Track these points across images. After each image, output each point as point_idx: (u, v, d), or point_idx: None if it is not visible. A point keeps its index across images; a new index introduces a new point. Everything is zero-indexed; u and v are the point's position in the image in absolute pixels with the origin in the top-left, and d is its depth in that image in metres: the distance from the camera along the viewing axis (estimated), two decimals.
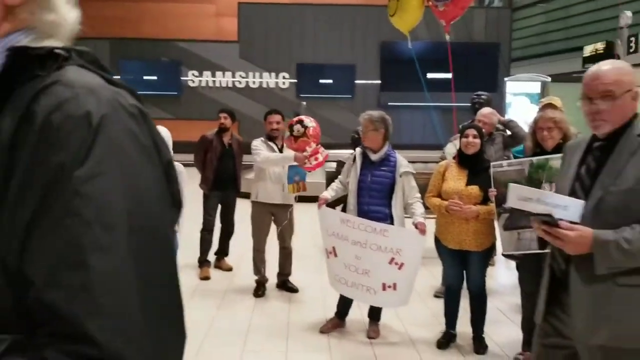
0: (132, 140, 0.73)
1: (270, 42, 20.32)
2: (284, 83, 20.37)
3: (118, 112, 0.73)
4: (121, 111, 0.73)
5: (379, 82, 20.41)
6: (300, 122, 4.89)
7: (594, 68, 2.20)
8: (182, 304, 0.77)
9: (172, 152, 3.13)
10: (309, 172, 5.04)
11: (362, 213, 4.22)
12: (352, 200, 4.29)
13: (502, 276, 6.09)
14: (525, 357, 3.96)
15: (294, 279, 5.46)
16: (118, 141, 0.71)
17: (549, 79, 13.85)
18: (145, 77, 19.88)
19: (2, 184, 0.68)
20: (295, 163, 4.89)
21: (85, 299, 0.64)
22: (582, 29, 17.73)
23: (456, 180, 4.03)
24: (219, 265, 6.32)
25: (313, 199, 4.62)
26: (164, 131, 3.59)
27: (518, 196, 2.41)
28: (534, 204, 2.31)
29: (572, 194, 2.25)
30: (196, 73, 20.25)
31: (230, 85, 20.33)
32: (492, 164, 3.88)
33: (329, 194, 4.41)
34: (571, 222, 2.16)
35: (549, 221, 2.16)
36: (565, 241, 2.13)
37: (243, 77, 20.37)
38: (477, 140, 4.00)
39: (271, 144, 5.25)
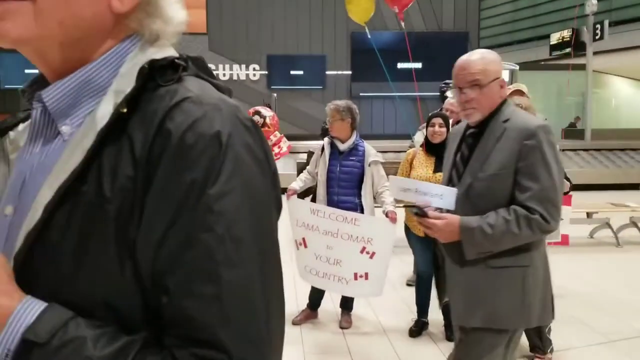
0: (250, 154, 0.77)
1: (239, 34, 20.16)
2: (254, 75, 20.27)
3: (238, 128, 0.77)
4: (241, 127, 0.78)
5: (350, 72, 20.44)
6: (258, 112, 4.83)
7: (462, 58, 2.24)
8: (284, 301, 0.82)
9: None
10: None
11: (331, 203, 4.19)
12: (321, 191, 4.26)
13: None
14: None
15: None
16: (241, 158, 0.75)
17: (517, 67, 13.96)
18: None
19: (138, 196, 0.72)
20: None
21: (218, 309, 0.70)
22: (549, 17, 17.95)
23: (424, 167, 4.02)
24: None
25: (282, 191, 4.57)
26: None
27: (398, 187, 2.46)
28: (412, 194, 2.37)
29: (450, 181, 2.34)
30: None
31: None
32: None
33: (297, 184, 4.37)
34: (448, 211, 2.25)
35: (418, 212, 2.26)
36: (434, 230, 2.22)
37: (213, 70, 19.51)
38: (443, 129, 4.00)
39: None
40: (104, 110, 0.76)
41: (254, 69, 20.35)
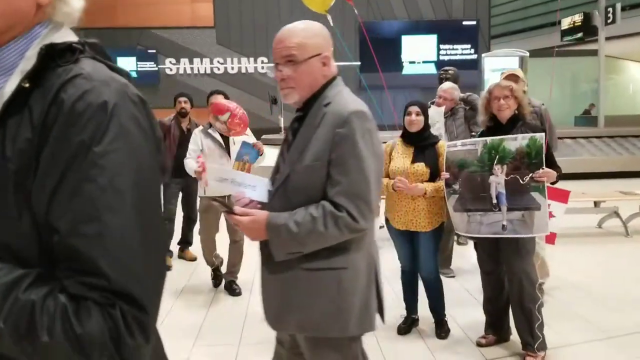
0: (135, 123, 0.92)
1: (247, 27, 20.00)
2: (262, 68, 20.08)
3: (125, 100, 0.92)
4: (127, 100, 0.92)
5: (359, 63, 20.16)
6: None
7: (282, 29, 1.96)
8: (165, 248, 1.01)
9: None
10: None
11: None
12: None
13: (473, 255, 5.89)
14: (487, 340, 3.79)
15: (253, 270, 5.21)
16: (126, 125, 0.89)
17: (527, 53, 13.60)
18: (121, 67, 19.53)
19: (34, 155, 0.87)
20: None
21: (100, 245, 0.84)
22: (560, 3, 17.57)
23: (402, 158, 3.82)
24: (183, 255, 6.15)
25: None
26: None
27: (215, 177, 2.20)
28: (229, 184, 2.12)
29: (277, 171, 2.05)
30: (173, 61, 19.94)
31: (208, 71, 20.04)
32: (447, 144, 3.70)
33: None
34: (260, 203, 2.01)
35: (222, 207, 2.01)
36: (241, 228, 1.95)
37: (221, 63, 20.07)
38: (421, 118, 3.79)
39: (213, 132, 4.77)
40: (10, 86, 0.91)
41: (262, 62, 20.18)
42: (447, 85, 5.16)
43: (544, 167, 3.31)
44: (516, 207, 3.40)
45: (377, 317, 2.07)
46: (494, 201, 3.45)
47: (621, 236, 6.81)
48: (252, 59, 20.05)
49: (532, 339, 3.49)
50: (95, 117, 0.87)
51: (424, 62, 19.22)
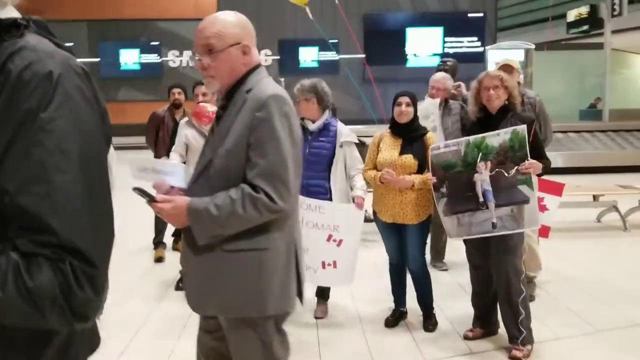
0: (79, 92, 0.97)
1: (250, 19, 19.58)
2: (266, 60, 20.02)
3: (70, 71, 0.96)
4: (71, 71, 0.97)
5: (363, 56, 20.06)
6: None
7: (202, 20, 2.01)
8: (112, 211, 1.02)
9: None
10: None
11: (300, 187, 3.97)
12: None
13: None
14: (474, 334, 3.76)
15: None
16: (70, 93, 0.94)
17: (533, 46, 13.47)
18: (124, 59, 19.63)
19: None
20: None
21: (48, 203, 0.89)
22: None
23: (390, 150, 3.77)
24: (177, 247, 6.11)
25: None
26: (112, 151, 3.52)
27: (137, 168, 2.21)
28: (150, 174, 2.15)
29: (202, 157, 2.08)
30: (177, 53, 19.92)
31: None
32: (431, 146, 3.62)
33: None
34: (183, 190, 2.04)
35: (143, 196, 2.01)
36: (163, 215, 1.98)
37: None
38: (410, 109, 3.74)
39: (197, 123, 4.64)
40: None
41: (266, 54, 20.12)
42: (439, 75, 5.09)
43: (529, 158, 3.25)
44: (504, 203, 3.35)
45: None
46: (481, 199, 3.40)
47: (619, 230, 6.74)
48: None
49: (518, 332, 3.45)
50: (41, 85, 0.92)
51: (433, 54, 19.05)
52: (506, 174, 3.30)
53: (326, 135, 3.98)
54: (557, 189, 4.53)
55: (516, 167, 3.27)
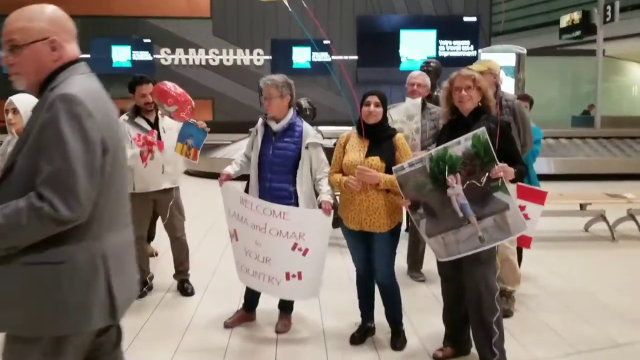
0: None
1: (243, 18, 19.72)
2: (258, 60, 19.83)
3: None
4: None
5: (356, 57, 19.81)
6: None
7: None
8: None
9: None
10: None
11: (263, 190, 3.70)
12: (253, 177, 3.77)
13: None
14: (444, 353, 3.48)
15: (205, 265, 4.90)
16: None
17: (524, 51, 13.23)
18: (115, 56, 19.42)
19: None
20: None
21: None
22: (563, 2, 17.14)
23: (356, 151, 3.49)
24: None
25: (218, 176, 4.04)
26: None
27: None
28: None
29: (7, 160, 1.91)
30: (168, 51, 19.71)
31: (204, 62, 19.85)
32: (393, 168, 3.29)
33: (232, 169, 3.88)
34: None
35: None
36: None
37: (217, 55, 19.84)
38: (380, 109, 3.46)
39: (140, 120, 4.41)
40: None
41: (258, 54, 19.91)
42: (417, 72, 4.82)
43: (497, 163, 2.98)
44: (485, 213, 3.08)
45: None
46: (460, 214, 3.12)
47: (608, 241, 6.48)
48: (247, 51, 19.81)
49: (491, 354, 3.18)
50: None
51: (427, 57, 18.84)
52: (478, 184, 3.03)
53: (291, 135, 3.71)
54: (540, 197, 4.27)
55: (487, 174, 3.00)
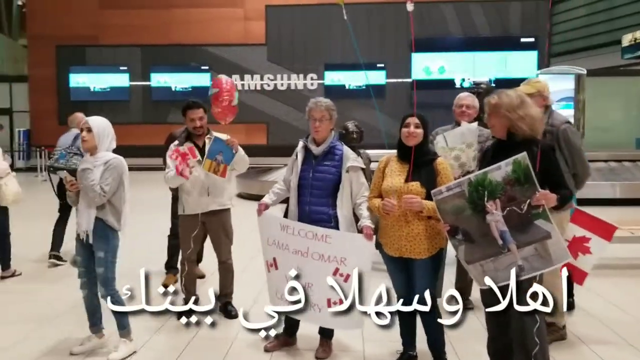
0: None
1: (297, 44, 20.04)
2: (312, 84, 20.03)
3: None
4: None
5: (411, 80, 19.72)
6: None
7: None
8: None
9: None
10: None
11: (303, 214, 3.68)
12: (292, 200, 3.77)
13: None
14: None
15: (243, 294, 4.89)
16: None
17: (584, 71, 12.84)
18: (174, 84, 20.19)
19: None
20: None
21: None
22: (625, 21, 16.62)
23: (395, 176, 3.42)
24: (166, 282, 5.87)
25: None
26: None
27: None
28: None
29: None
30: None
31: (258, 88, 20.18)
32: (432, 191, 3.19)
33: (269, 198, 3.89)
34: None
35: None
36: None
37: (271, 80, 20.16)
38: (420, 131, 3.39)
39: (188, 144, 4.44)
40: None
41: (312, 78, 20.13)
42: (465, 94, 4.71)
43: (539, 189, 2.86)
44: (525, 242, 2.96)
45: None
46: (500, 242, 3.01)
47: None
48: (301, 76, 20.06)
49: None
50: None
51: (489, 79, 18.58)
52: (519, 211, 2.91)
53: (331, 159, 3.70)
54: (608, 232, 3.84)
55: (528, 201, 2.88)
